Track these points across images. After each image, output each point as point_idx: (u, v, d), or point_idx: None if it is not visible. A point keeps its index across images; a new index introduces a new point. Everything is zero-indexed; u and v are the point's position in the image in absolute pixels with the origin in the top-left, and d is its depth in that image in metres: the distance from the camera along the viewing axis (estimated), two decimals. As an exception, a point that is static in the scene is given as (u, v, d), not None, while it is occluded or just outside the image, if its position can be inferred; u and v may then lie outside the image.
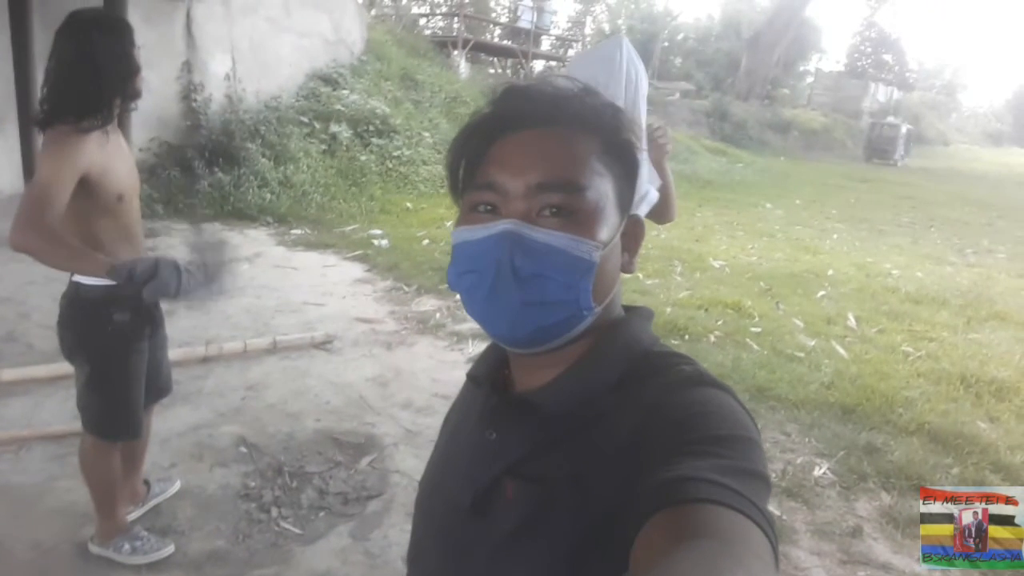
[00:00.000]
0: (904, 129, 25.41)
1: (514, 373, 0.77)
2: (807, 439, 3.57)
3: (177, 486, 2.69)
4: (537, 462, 0.68)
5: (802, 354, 4.74)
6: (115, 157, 1.92)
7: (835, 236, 9.85)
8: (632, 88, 1.80)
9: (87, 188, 1.83)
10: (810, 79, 36.18)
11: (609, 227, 0.68)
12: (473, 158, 0.71)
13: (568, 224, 0.66)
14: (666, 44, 37.12)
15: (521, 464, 0.69)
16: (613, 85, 1.67)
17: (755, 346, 4.79)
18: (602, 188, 0.68)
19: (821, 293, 6.46)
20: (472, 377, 0.85)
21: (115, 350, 2.05)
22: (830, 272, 7.32)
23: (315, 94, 9.57)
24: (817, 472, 3.25)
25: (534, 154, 0.67)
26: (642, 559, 0.50)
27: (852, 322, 5.62)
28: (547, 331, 0.68)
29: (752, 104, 26.02)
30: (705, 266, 7.11)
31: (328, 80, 9.96)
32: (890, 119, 27.32)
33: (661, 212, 2.10)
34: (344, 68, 10.45)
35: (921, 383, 4.39)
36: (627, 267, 0.74)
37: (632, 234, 0.74)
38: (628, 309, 0.77)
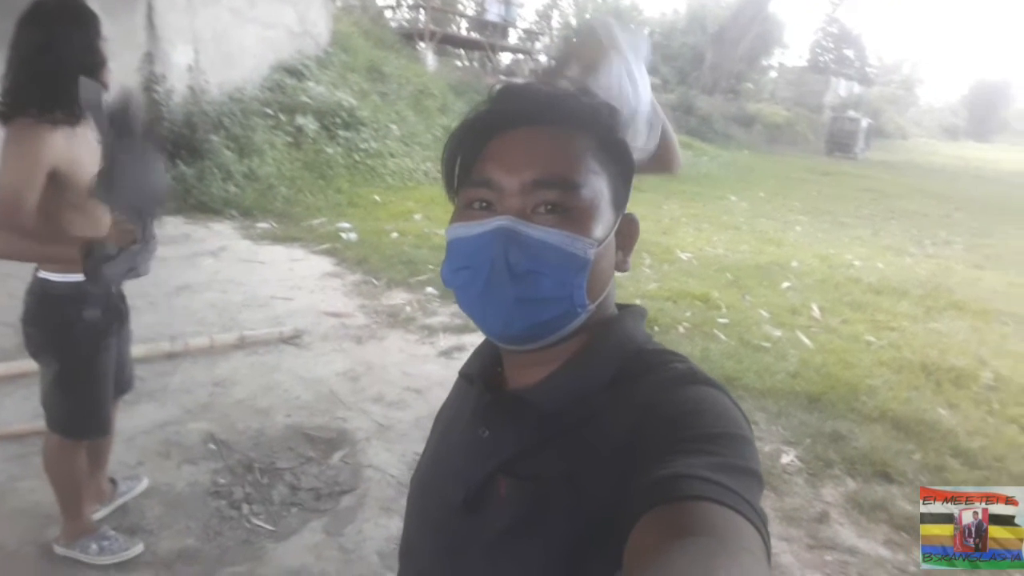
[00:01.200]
0: (864, 123, 25.90)
1: (507, 371, 0.77)
2: (774, 427, 3.63)
3: (144, 484, 2.65)
4: (531, 460, 0.68)
5: (768, 344, 4.82)
6: (84, 150, 1.87)
7: (798, 228, 10.01)
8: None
9: (56, 183, 1.79)
10: (773, 74, 36.66)
11: (604, 225, 0.68)
12: (469, 155, 0.72)
13: (563, 221, 0.66)
14: (632, 38, 37.14)
15: (514, 462, 0.69)
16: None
17: (723, 337, 4.86)
18: (597, 186, 0.68)
19: (786, 284, 6.56)
20: (465, 375, 0.85)
21: (84, 347, 2.01)
22: (794, 264, 7.44)
23: (280, 86, 9.41)
24: (784, 460, 3.31)
25: (530, 152, 0.68)
26: (636, 556, 0.50)
27: (816, 312, 5.73)
28: (541, 328, 0.68)
29: (717, 98, 26.29)
30: (673, 258, 7.18)
31: (293, 72, 9.81)
32: (851, 113, 27.82)
33: (664, 159, 2.01)
34: (310, 60, 10.30)
35: (883, 372, 4.49)
36: (621, 265, 0.75)
37: (626, 232, 0.75)
38: (621, 307, 0.78)
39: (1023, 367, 4.76)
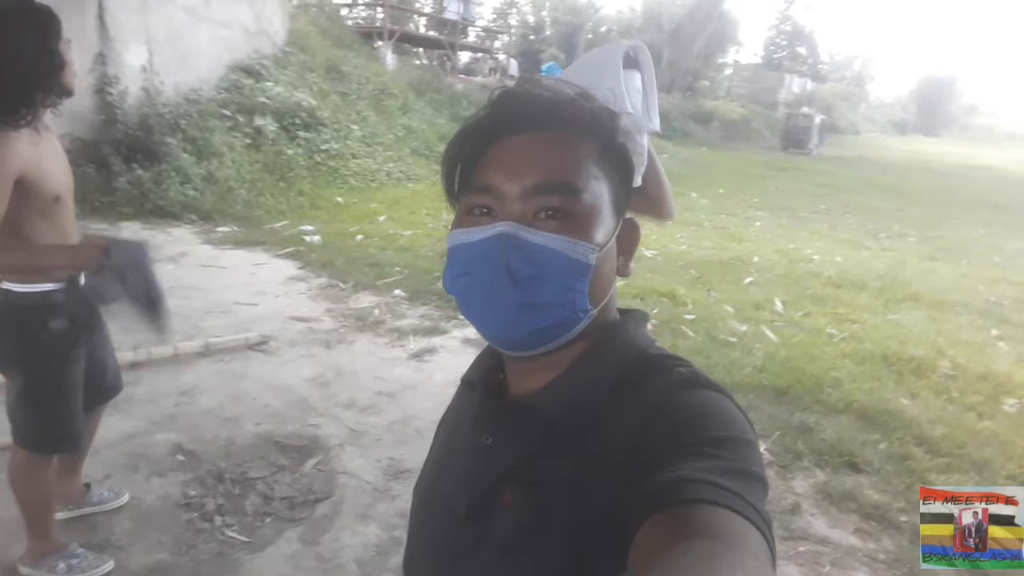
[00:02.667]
0: (818, 119, 26.37)
1: (510, 377, 0.77)
2: (744, 422, 3.68)
3: (125, 499, 2.57)
4: (535, 466, 0.68)
5: (735, 339, 4.89)
6: (49, 156, 1.81)
7: (758, 224, 10.17)
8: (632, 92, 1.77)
9: (23, 190, 1.73)
10: (729, 71, 37.16)
11: (605, 230, 0.68)
12: (469, 161, 0.71)
13: (564, 227, 0.66)
14: (590, 36, 37.43)
15: (518, 469, 0.68)
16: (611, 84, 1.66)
17: (690, 333, 4.91)
18: (598, 191, 0.68)
19: (748, 280, 6.67)
20: (467, 382, 0.84)
21: (51, 360, 1.95)
22: (756, 259, 7.57)
23: (237, 86, 9.23)
24: (755, 453, 3.35)
25: (531, 157, 0.67)
26: (640, 559, 0.50)
27: (779, 307, 5.83)
28: (543, 333, 0.68)
29: (675, 96, 26.54)
30: (638, 255, 7.18)
31: (251, 72, 9.63)
32: (804, 110, 28.30)
33: (657, 203, 1.98)
34: (267, 59, 10.12)
35: (847, 364, 4.59)
36: (623, 270, 0.75)
37: (628, 237, 0.74)
38: (623, 312, 0.78)
39: (979, 356, 4.92)
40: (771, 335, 5.06)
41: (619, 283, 0.73)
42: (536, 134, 0.68)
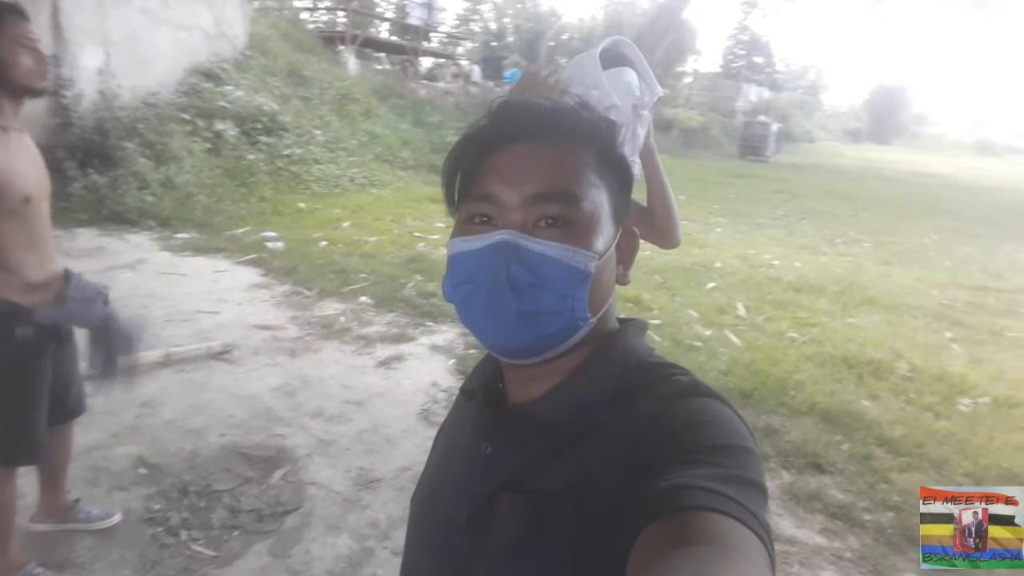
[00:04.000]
0: (775, 127, 26.87)
1: (509, 386, 0.77)
2: (711, 426, 3.72)
3: (116, 518, 2.49)
4: (534, 475, 0.68)
5: (700, 343, 4.95)
6: (18, 156, 1.76)
7: (719, 230, 10.32)
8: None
9: None
10: (688, 80, 37.67)
11: (605, 238, 0.69)
12: (469, 170, 0.71)
13: (564, 235, 0.66)
14: (552, 44, 37.65)
15: (518, 477, 0.68)
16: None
17: (657, 338, 4.95)
18: (597, 199, 0.69)
19: (711, 285, 6.76)
20: (466, 391, 0.84)
21: (15, 368, 1.88)
22: (718, 264, 7.67)
23: (197, 90, 9.06)
24: (723, 457, 3.39)
25: (530, 166, 0.68)
26: (639, 566, 0.50)
27: (742, 311, 5.92)
28: (543, 341, 0.68)
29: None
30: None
31: (210, 75, 9.46)
32: (761, 118, 28.80)
33: (664, 229, 1.90)
34: (227, 63, 9.96)
35: (808, 366, 4.68)
36: (622, 279, 0.75)
37: (627, 246, 0.75)
38: (622, 320, 0.78)
39: (934, 357, 5.05)
40: (735, 339, 5.14)
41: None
42: (535, 143, 0.69)
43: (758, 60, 41.25)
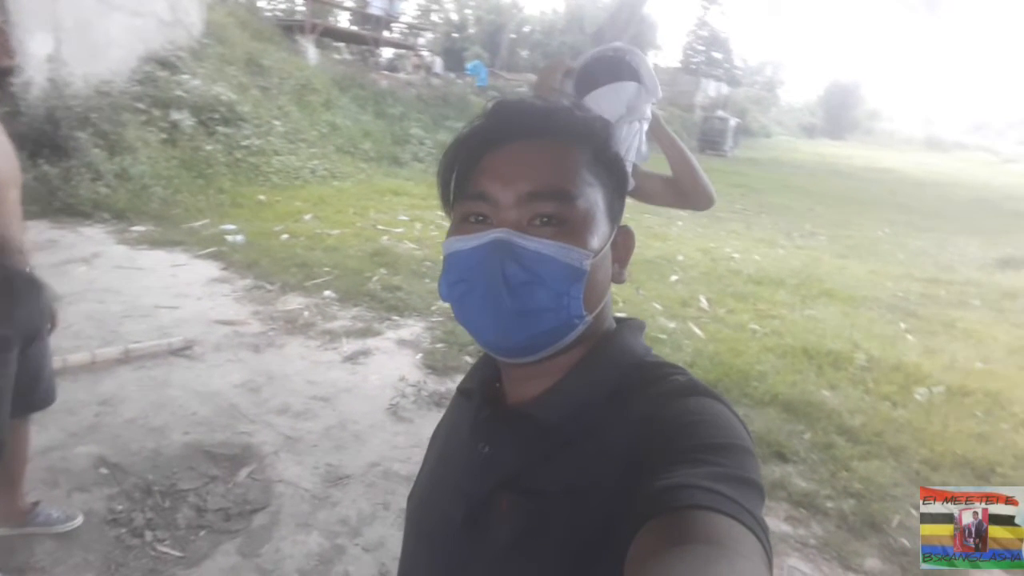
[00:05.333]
0: (733, 122, 27.26)
1: (506, 385, 0.77)
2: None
3: (79, 521, 2.42)
4: (532, 475, 0.67)
5: (664, 336, 5.00)
6: None
7: (680, 223, 10.43)
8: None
9: None
10: (648, 74, 37.94)
11: (600, 236, 0.69)
12: (464, 169, 0.71)
13: (559, 233, 0.66)
14: (513, 36, 37.61)
15: (516, 477, 0.68)
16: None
17: (622, 331, 4.99)
18: (592, 198, 0.69)
19: (674, 277, 6.83)
20: (462, 390, 0.84)
21: None
22: (680, 257, 7.76)
23: (152, 78, 8.81)
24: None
25: (525, 164, 0.68)
26: (637, 564, 0.50)
27: (704, 304, 6.00)
28: (539, 339, 0.68)
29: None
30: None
31: (165, 64, 9.21)
32: (720, 113, 29.18)
33: (695, 194, 1.89)
34: (183, 51, 9.72)
35: (770, 358, 4.76)
36: (618, 277, 0.75)
37: (622, 244, 0.75)
38: (619, 320, 0.78)
39: (890, 348, 5.18)
40: (698, 331, 5.21)
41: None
42: (530, 142, 0.69)
43: (717, 56, 41.80)
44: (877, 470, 3.35)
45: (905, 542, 2.83)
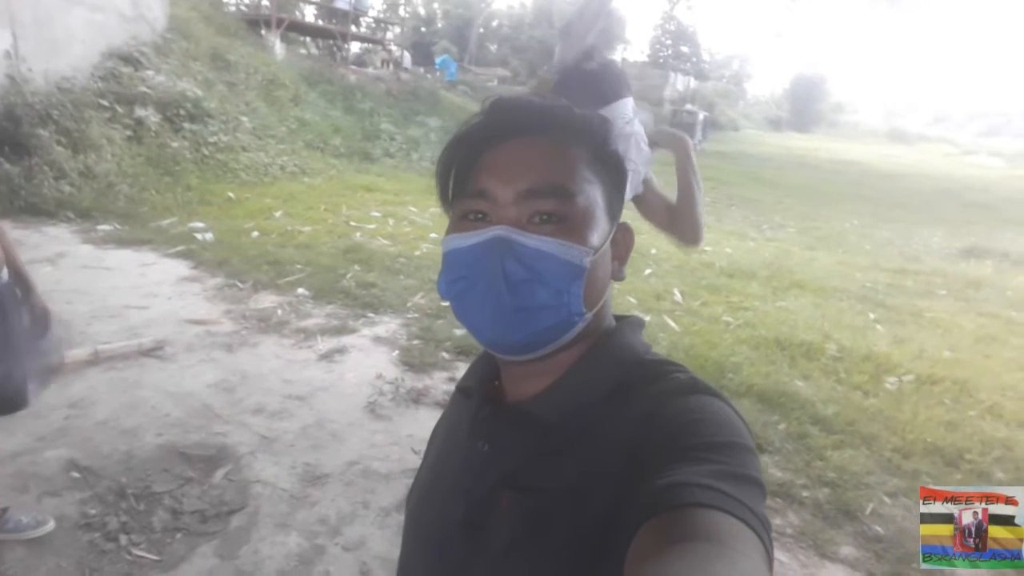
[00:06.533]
0: (701, 116, 27.41)
1: (505, 383, 0.76)
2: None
3: (50, 526, 2.36)
4: (532, 472, 0.67)
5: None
6: None
7: (652, 217, 10.48)
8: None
9: None
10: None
11: (599, 233, 0.69)
12: (463, 167, 0.71)
13: (559, 230, 0.66)
14: (482, 31, 37.47)
15: (516, 475, 0.68)
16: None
17: (597, 325, 5.01)
18: (592, 195, 0.69)
19: (648, 271, 6.88)
20: (461, 389, 0.83)
21: None
22: (653, 251, 7.79)
23: (115, 75, 8.62)
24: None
25: (524, 162, 0.68)
26: (637, 562, 0.50)
27: (678, 297, 6.05)
28: (539, 336, 0.68)
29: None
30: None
31: (128, 59, 9.01)
32: (689, 107, 29.37)
33: (685, 228, 1.92)
34: (146, 46, 9.52)
35: (744, 349, 4.82)
36: (617, 275, 0.75)
37: (622, 242, 0.75)
38: (619, 317, 0.78)
39: (860, 338, 5.27)
40: (673, 324, 5.25)
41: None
42: (529, 139, 0.69)
43: (684, 49, 42.09)
44: (850, 459, 3.40)
45: (879, 529, 2.88)
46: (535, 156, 0.68)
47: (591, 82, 1.76)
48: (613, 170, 0.72)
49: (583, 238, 0.66)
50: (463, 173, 0.71)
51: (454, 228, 0.70)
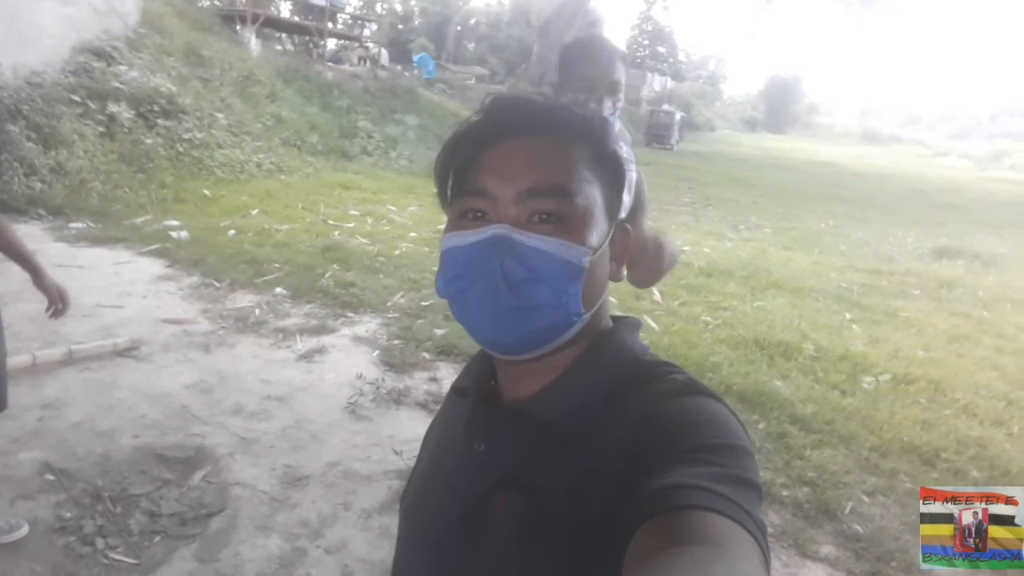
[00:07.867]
0: (678, 116, 27.65)
1: (502, 383, 0.76)
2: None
3: (24, 531, 2.31)
4: (529, 473, 0.67)
5: (620, 330, 5.03)
6: None
7: (631, 216, 10.52)
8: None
9: None
10: (595, 67, 38.20)
11: (598, 233, 0.68)
12: (463, 165, 0.70)
13: (558, 230, 0.66)
14: (459, 28, 37.40)
15: (513, 476, 0.67)
16: None
17: (578, 325, 5.01)
18: (591, 195, 0.68)
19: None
20: (457, 389, 0.83)
21: None
22: (632, 250, 7.82)
23: (86, 69, 8.47)
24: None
25: (524, 161, 0.67)
26: (635, 564, 0.50)
27: (657, 297, 6.07)
28: (537, 336, 0.67)
29: (544, 90, 26.95)
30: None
31: (100, 54, 8.86)
32: (666, 107, 29.58)
33: (646, 276, 1.78)
34: (118, 41, 9.36)
35: (723, 349, 4.85)
36: (615, 275, 0.75)
37: (620, 242, 0.75)
38: (616, 318, 0.78)
39: (837, 338, 5.33)
40: (653, 324, 5.27)
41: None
42: (529, 138, 0.68)
43: (661, 50, 42.35)
44: (829, 458, 3.44)
45: (858, 528, 2.91)
46: (535, 155, 0.67)
47: (600, 42, 1.75)
48: (613, 170, 0.72)
49: (582, 238, 0.66)
50: (462, 171, 0.70)
51: (453, 226, 0.70)
